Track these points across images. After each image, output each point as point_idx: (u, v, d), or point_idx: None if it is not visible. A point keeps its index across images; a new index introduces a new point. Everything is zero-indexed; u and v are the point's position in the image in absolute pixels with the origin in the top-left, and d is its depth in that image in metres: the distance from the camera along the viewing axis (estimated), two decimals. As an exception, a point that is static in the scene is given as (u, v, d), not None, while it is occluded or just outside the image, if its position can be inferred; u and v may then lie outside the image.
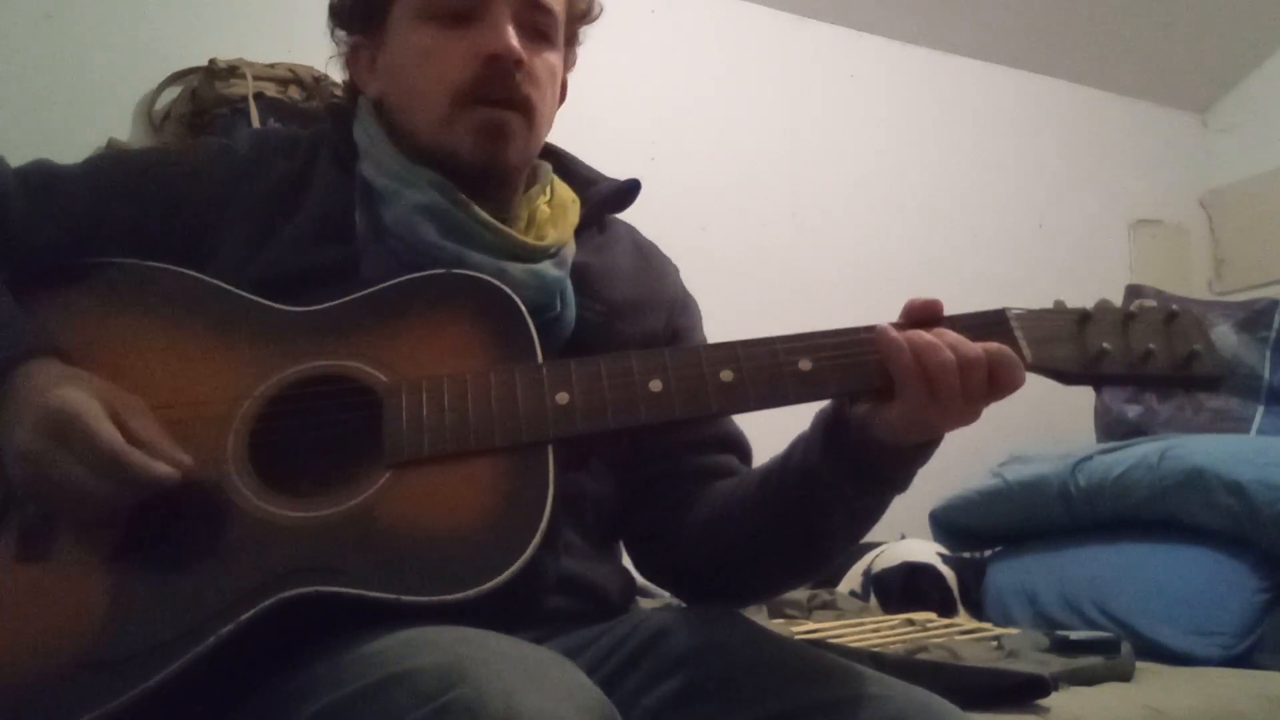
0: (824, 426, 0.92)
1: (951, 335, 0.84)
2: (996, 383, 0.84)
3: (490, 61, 0.98)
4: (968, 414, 0.85)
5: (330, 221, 1.00)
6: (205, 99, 1.98)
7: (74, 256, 0.98)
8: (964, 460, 2.26)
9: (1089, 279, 2.91)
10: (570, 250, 1.04)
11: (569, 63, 1.11)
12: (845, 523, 0.95)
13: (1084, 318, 0.89)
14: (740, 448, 1.10)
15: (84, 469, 0.80)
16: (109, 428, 0.81)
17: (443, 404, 0.85)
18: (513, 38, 0.98)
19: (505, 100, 0.99)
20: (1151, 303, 0.91)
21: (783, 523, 0.96)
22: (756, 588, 1.05)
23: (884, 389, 0.85)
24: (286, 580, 0.77)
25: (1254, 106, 3.33)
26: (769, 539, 0.98)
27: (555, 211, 1.06)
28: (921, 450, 0.88)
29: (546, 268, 1.00)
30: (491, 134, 1.00)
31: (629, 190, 1.14)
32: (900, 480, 0.91)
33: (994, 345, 0.84)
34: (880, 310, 0.91)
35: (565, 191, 1.09)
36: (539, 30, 1.03)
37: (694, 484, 1.05)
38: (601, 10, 1.12)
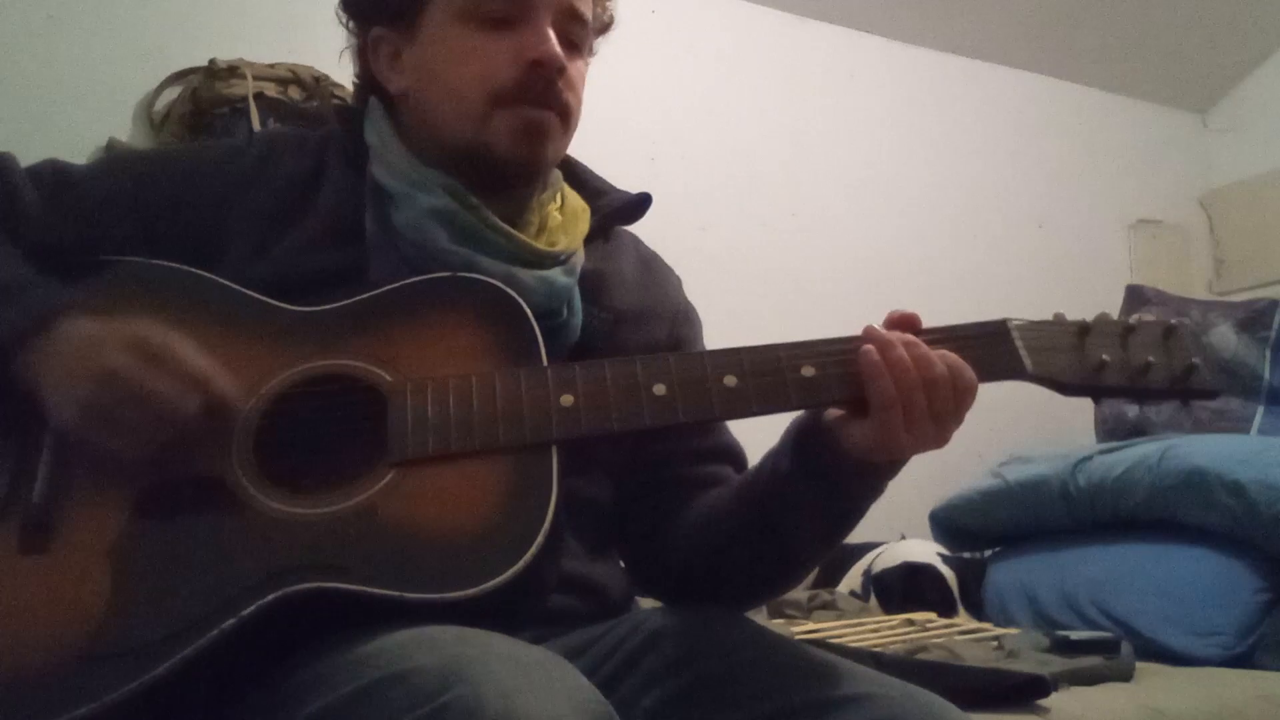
0: (795, 434, 0.93)
1: (922, 355, 0.85)
2: (961, 398, 0.85)
3: (534, 66, 0.98)
4: (936, 438, 0.86)
5: (340, 223, 1.00)
6: (205, 99, 1.98)
7: (84, 255, 0.98)
8: (964, 460, 2.27)
9: (1089, 279, 2.92)
10: (579, 258, 1.05)
11: None
12: (814, 529, 0.96)
13: (1084, 329, 0.91)
14: (735, 458, 1.10)
15: (174, 383, 0.83)
16: (196, 352, 0.85)
17: (447, 403, 0.85)
18: (556, 45, 0.99)
19: (545, 103, 1.00)
20: (1150, 316, 0.93)
21: (754, 529, 0.97)
22: (734, 595, 1.05)
23: (860, 403, 0.86)
24: (289, 576, 0.77)
25: (1254, 106, 3.33)
26: (742, 545, 0.98)
27: (567, 219, 1.06)
28: (889, 466, 0.89)
29: (556, 275, 1.00)
30: (531, 132, 1.00)
31: (640, 204, 1.14)
32: (869, 490, 0.92)
33: (953, 359, 0.85)
34: (880, 310, 0.91)
35: (576, 200, 1.09)
36: (572, 40, 1.03)
37: (686, 493, 1.05)
38: (613, 20, 1.11)
